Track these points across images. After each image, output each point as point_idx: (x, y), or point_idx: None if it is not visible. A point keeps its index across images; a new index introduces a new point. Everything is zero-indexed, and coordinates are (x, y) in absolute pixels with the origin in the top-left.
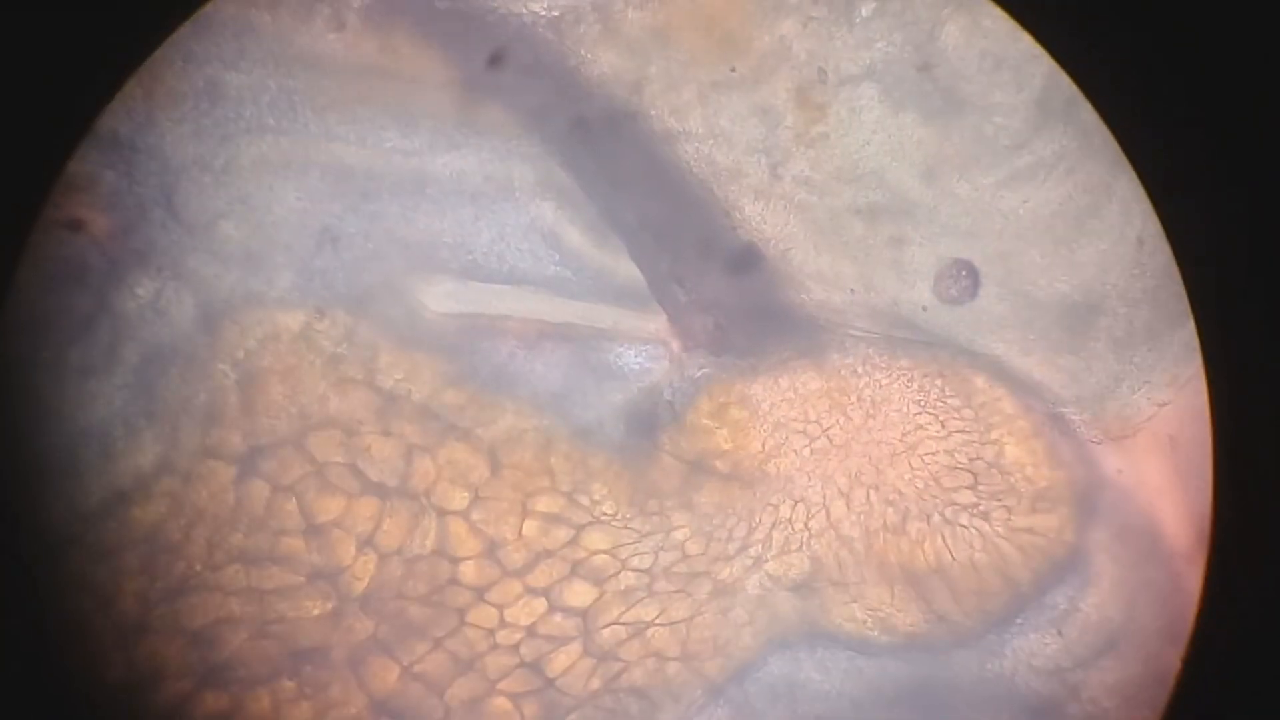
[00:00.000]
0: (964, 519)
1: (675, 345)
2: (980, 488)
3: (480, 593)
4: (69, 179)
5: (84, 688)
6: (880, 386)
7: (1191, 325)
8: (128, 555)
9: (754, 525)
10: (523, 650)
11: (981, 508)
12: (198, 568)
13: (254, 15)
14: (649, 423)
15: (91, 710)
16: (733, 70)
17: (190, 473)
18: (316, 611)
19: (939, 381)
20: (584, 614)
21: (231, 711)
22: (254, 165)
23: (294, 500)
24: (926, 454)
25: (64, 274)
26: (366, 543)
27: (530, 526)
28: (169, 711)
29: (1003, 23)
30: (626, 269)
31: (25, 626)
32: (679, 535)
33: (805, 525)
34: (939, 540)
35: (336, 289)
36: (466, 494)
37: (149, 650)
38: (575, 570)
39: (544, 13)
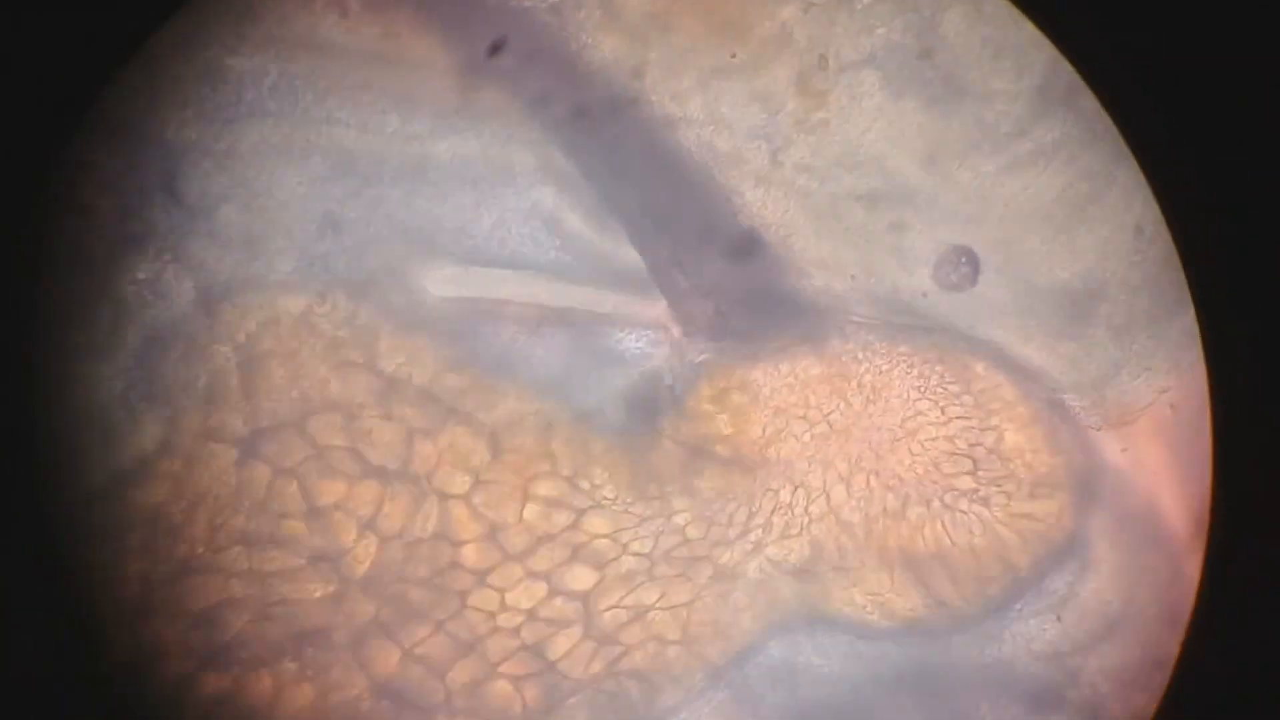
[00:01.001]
0: (963, 504)
1: (676, 330)
2: (980, 473)
3: (481, 576)
4: (71, 164)
5: (87, 668)
6: (880, 372)
7: (1192, 312)
8: (130, 538)
9: (754, 510)
10: (524, 633)
11: (981, 493)
12: (199, 550)
13: None
14: (650, 408)
15: (95, 691)
16: (733, 56)
17: (192, 455)
18: (318, 594)
19: (939, 367)
20: (585, 598)
21: (233, 693)
22: (255, 150)
23: (295, 483)
24: (926, 440)
25: (65, 258)
26: (368, 526)
27: (531, 510)
28: (171, 692)
29: (1004, 9)
30: (627, 254)
31: (29, 608)
32: (679, 519)
33: (805, 510)
34: (938, 526)
35: (338, 273)
36: (468, 478)
37: (151, 632)
38: (576, 554)
39: None
